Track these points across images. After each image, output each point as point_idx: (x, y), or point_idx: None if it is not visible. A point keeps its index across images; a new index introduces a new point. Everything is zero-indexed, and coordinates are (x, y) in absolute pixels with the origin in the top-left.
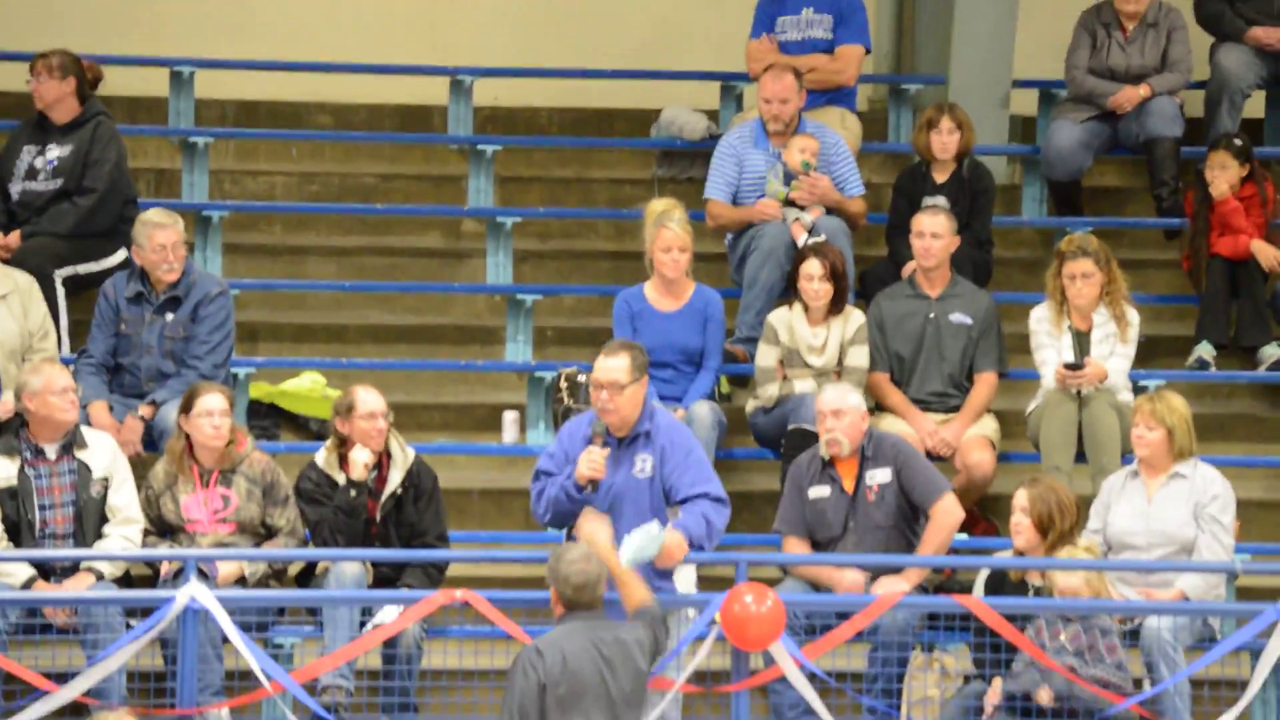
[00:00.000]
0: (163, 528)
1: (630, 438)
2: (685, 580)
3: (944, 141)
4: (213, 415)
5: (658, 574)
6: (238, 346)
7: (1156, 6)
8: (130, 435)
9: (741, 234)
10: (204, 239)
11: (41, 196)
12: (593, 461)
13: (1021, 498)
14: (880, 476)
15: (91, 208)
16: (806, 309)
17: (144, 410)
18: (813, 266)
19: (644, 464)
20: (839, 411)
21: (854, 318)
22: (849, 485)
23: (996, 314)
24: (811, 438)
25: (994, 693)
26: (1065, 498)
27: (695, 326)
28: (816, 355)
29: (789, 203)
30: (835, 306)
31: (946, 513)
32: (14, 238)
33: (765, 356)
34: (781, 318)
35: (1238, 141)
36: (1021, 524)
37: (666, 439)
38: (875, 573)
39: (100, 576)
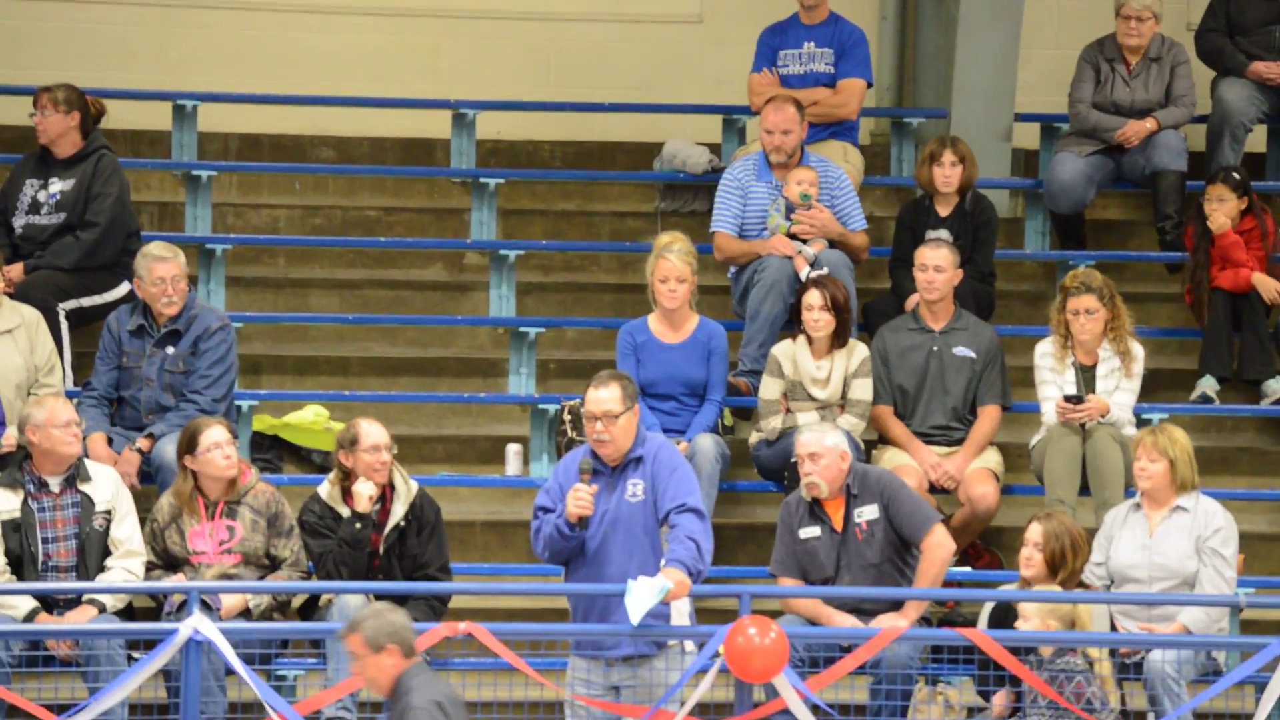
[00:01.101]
0: (168, 560)
1: (622, 465)
2: (680, 612)
3: (946, 175)
4: (221, 447)
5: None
6: (241, 379)
7: (1159, 41)
8: (127, 467)
9: (744, 267)
10: (207, 272)
11: (45, 230)
12: (579, 499)
13: (1035, 532)
14: (868, 513)
15: (94, 241)
16: (810, 341)
17: (141, 443)
18: (813, 297)
19: (635, 488)
20: (815, 455)
21: (858, 351)
22: (838, 524)
23: (1000, 347)
24: None
25: (998, 707)
26: (1078, 536)
27: (699, 359)
28: (820, 388)
29: (791, 236)
30: (839, 339)
31: (938, 545)
32: (17, 270)
33: (769, 389)
34: (785, 350)
35: (1235, 175)
36: (1033, 558)
37: (655, 461)
38: (874, 610)
39: (102, 609)
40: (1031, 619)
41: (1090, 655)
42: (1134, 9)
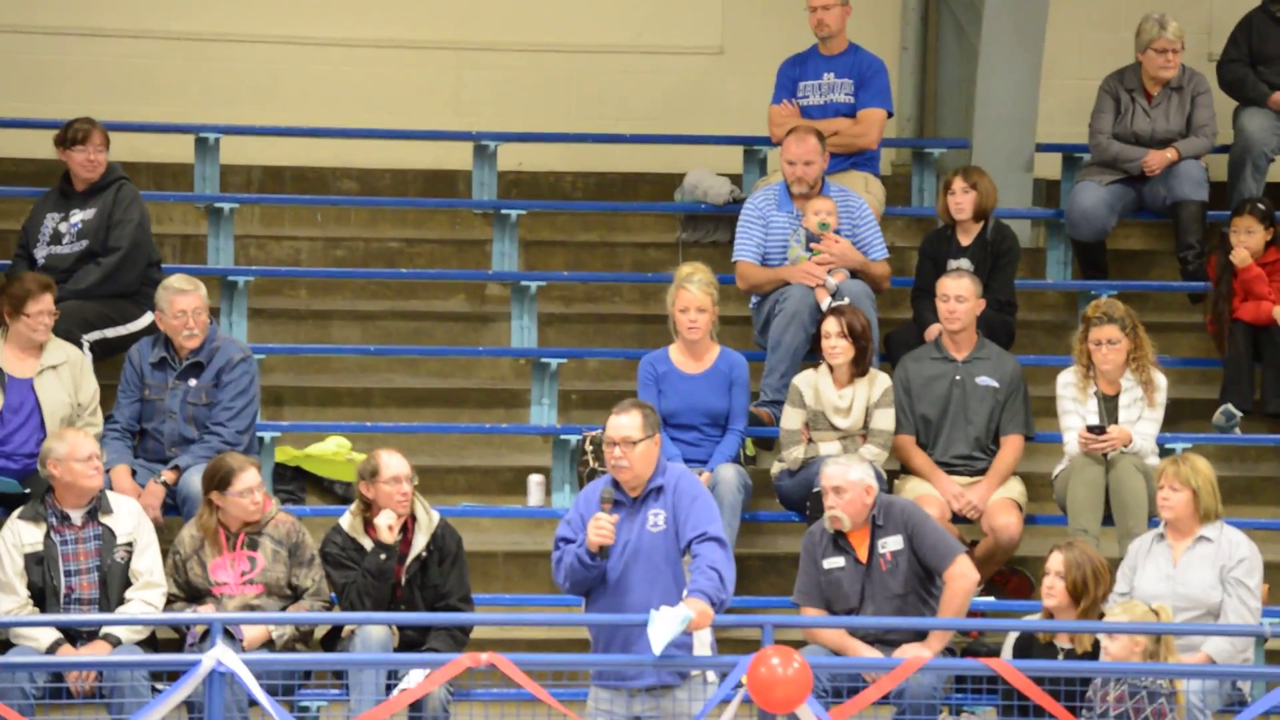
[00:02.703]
0: (191, 592)
1: (643, 495)
2: (702, 642)
3: (958, 202)
4: (253, 491)
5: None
6: (263, 410)
7: (1180, 71)
8: (152, 500)
9: (766, 297)
10: (229, 304)
11: (67, 259)
12: (600, 529)
13: (1056, 561)
14: (892, 544)
15: (116, 265)
16: (831, 370)
17: (166, 475)
18: (830, 325)
19: (657, 518)
20: (840, 489)
21: (879, 380)
22: (862, 555)
23: (1022, 377)
24: None
25: None
26: (1100, 564)
27: (720, 389)
28: (843, 417)
29: None
30: (859, 368)
31: (962, 576)
32: None
33: (791, 419)
34: (807, 380)
35: (1261, 205)
36: (1055, 587)
37: (676, 490)
38: (898, 640)
39: (117, 643)
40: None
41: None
42: (1168, 41)
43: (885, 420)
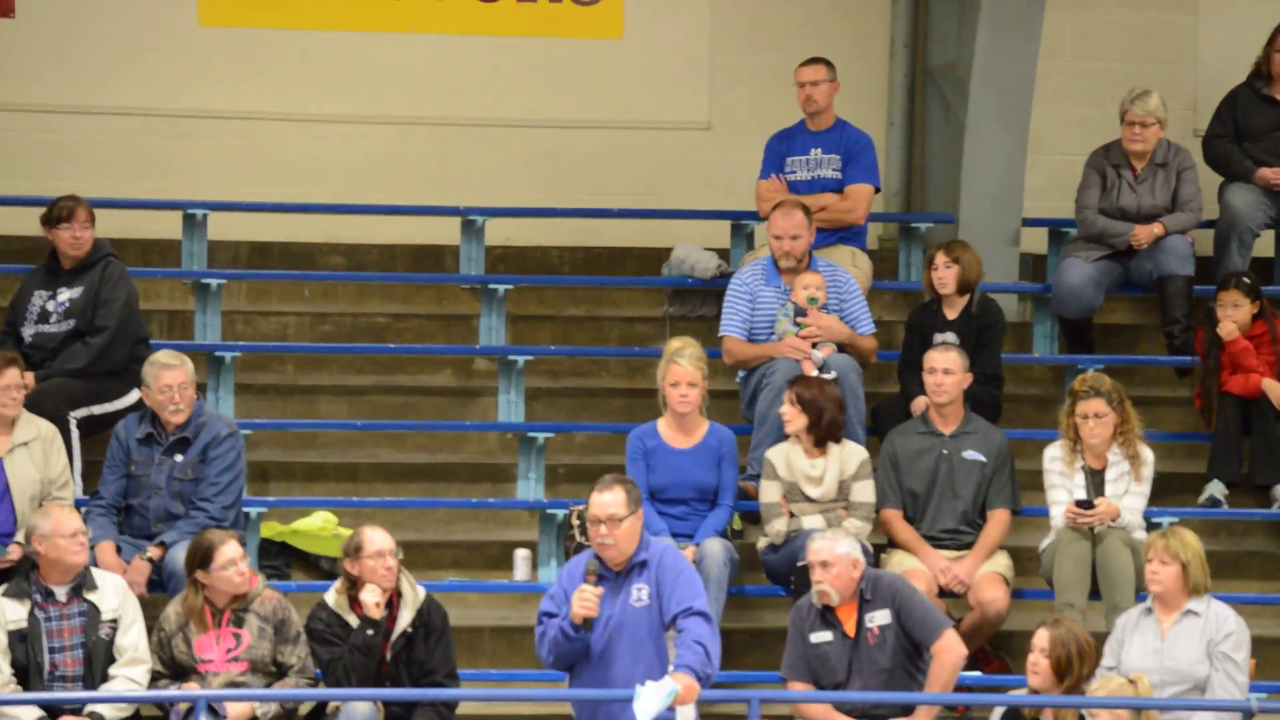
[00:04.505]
0: (176, 669)
1: (626, 569)
2: (686, 717)
3: (941, 277)
4: (236, 564)
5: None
6: (249, 486)
7: (1165, 146)
8: (137, 576)
9: (753, 371)
10: (216, 379)
11: (54, 338)
12: (585, 600)
13: (1042, 638)
14: (880, 618)
15: (104, 345)
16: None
17: (153, 552)
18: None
19: (640, 593)
20: (827, 563)
21: (853, 451)
22: (850, 629)
23: (1009, 451)
24: None
25: None
26: (1085, 642)
27: (709, 464)
28: (815, 486)
29: None
30: (819, 436)
31: (949, 650)
32: (29, 378)
33: (768, 492)
34: (779, 452)
35: (1247, 280)
36: (1039, 664)
37: (660, 565)
38: (884, 715)
39: None
40: None
41: None
42: (1138, 115)
43: (865, 493)
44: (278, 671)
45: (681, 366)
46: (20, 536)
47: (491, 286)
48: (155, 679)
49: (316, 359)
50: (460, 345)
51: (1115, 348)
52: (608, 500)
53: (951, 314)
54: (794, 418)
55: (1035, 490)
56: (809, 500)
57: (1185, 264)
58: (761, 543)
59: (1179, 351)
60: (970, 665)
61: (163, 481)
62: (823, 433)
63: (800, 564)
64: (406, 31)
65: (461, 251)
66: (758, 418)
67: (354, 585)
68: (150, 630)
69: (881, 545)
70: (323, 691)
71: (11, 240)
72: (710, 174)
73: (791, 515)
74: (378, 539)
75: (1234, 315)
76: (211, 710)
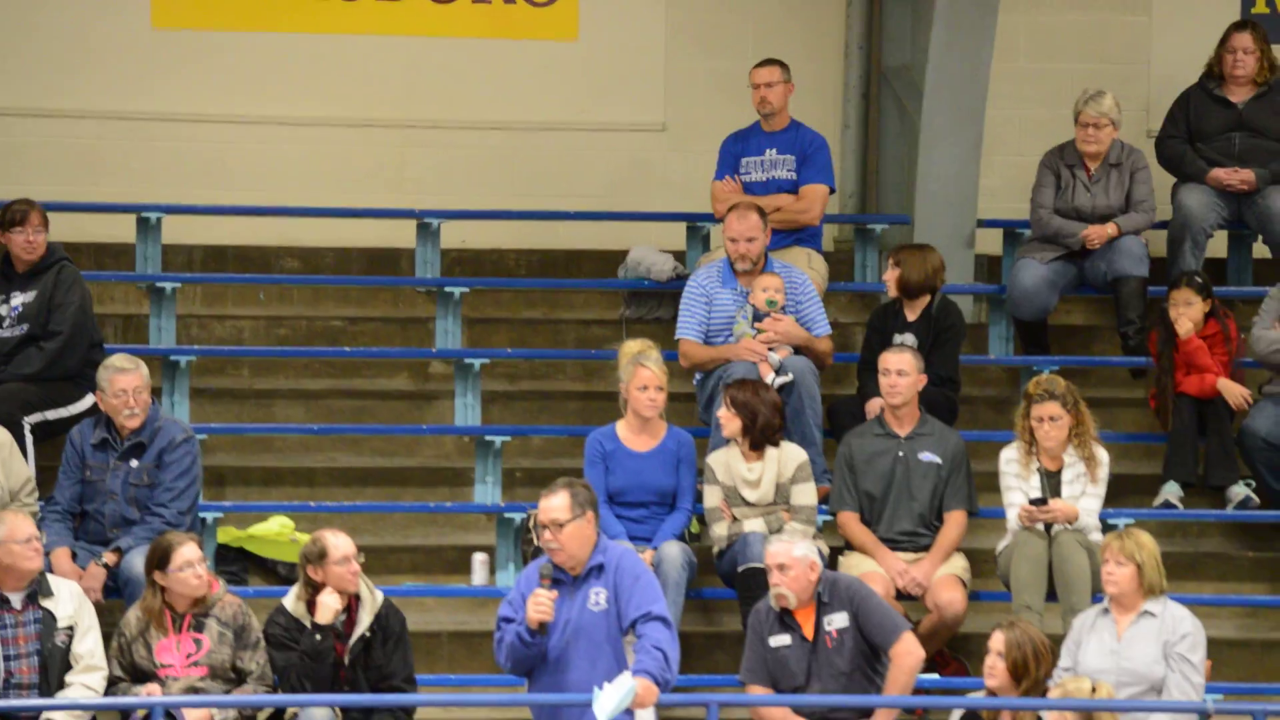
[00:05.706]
0: (135, 674)
1: (584, 573)
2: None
3: (886, 279)
4: (193, 565)
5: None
6: (205, 491)
7: (1119, 147)
8: (93, 582)
9: (710, 374)
10: (171, 384)
11: (8, 343)
12: (539, 604)
13: (998, 640)
14: (838, 621)
15: (58, 350)
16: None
17: (108, 557)
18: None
19: (598, 597)
20: (784, 566)
21: (791, 454)
22: (808, 632)
23: (966, 453)
24: (764, 575)
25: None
26: (1041, 644)
27: (668, 467)
28: (752, 490)
29: None
30: (755, 439)
31: (907, 653)
32: None
33: (710, 496)
34: (719, 457)
35: (1199, 279)
36: (996, 666)
37: (618, 569)
38: (843, 719)
39: None
40: None
41: None
42: (1090, 116)
43: (805, 496)
44: (237, 678)
45: (650, 370)
46: None
47: (447, 289)
48: (114, 683)
49: (272, 363)
50: (416, 349)
51: (1070, 349)
52: (552, 505)
53: (912, 315)
54: (728, 421)
55: (992, 492)
56: (747, 504)
57: (1139, 265)
58: (715, 548)
59: (1134, 352)
60: (928, 668)
61: (118, 487)
62: (758, 436)
63: (742, 568)
64: (361, 33)
65: (417, 254)
66: (715, 421)
67: (315, 590)
68: (110, 635)
69: (838, 548)
70: (280, 697)
71: None
72: (666, 176)
73: (735, 519)
74: (342, 544)
75: (1187, 313)
76: (170, 716)
